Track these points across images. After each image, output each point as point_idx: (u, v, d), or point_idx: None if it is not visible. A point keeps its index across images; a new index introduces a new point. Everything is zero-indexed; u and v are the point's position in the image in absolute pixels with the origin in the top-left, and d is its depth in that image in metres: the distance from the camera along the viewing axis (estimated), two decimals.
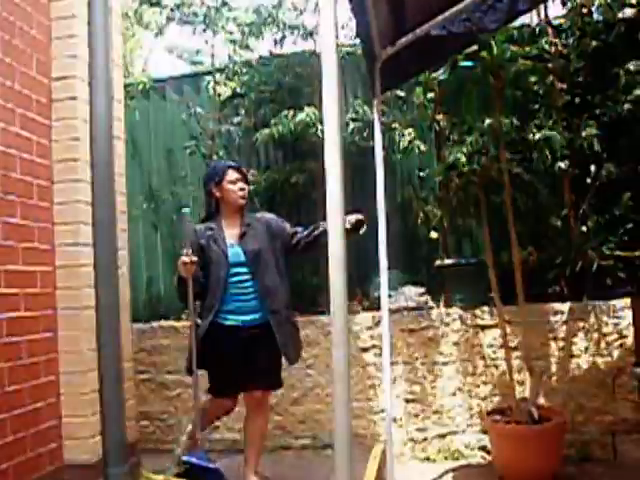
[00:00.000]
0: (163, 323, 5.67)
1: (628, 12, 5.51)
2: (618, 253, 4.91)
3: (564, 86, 5.31)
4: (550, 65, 5.20)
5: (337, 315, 1.81)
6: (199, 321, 3.84)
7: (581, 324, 4.84)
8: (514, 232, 4.54)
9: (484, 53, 4.50)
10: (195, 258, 3.71)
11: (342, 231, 1.76)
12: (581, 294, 4.95)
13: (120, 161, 4.29)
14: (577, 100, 5.34)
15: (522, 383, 4.80)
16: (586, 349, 4.83)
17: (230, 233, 3.95)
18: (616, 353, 4.78)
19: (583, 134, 4.90)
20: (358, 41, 4.85)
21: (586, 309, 4.84)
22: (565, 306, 4.88)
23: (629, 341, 4.68)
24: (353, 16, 3.24)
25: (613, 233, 5.04)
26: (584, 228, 5.12)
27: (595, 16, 5.57)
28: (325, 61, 1.83)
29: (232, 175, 4.00)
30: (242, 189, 3.99)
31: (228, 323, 3.84)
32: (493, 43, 4.50)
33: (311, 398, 5.25)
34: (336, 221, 1.79)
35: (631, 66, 5.03)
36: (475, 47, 4.55)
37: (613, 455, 4.74)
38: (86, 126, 3.97)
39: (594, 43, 5.28)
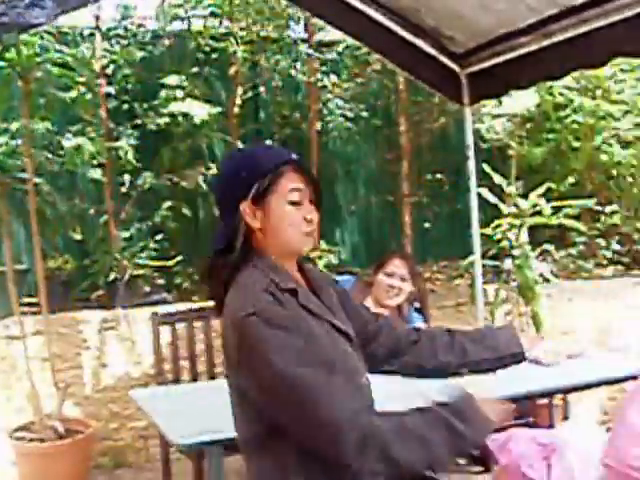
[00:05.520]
0: None
1: (177, 26, 5.70)
2: (154, 263, 5.05)
3: (112, 91, 5.30)
4: (97, 69, 5.15)
5: None
6: None
7: (114, 332, 4.86)
8: (39, 241, 4.37)
9: (11, 54, 4.26)
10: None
11: None
12: (115, 302, 4.99)
13: None
14: (125, 107, 5.38)
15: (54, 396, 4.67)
16: (119, 358, 4.87)
17: None
18: (148, 361, 4.88)
19: (119, 143, 4.93)
20: None
21: (118, 317, 4.88)
22: (97, 314, 4.86)
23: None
24: None
25: (153, 241, 5.17)
26: (127, 235, 5.16)
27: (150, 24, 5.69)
28: None
29: (292, 180, 1.71)
30: (309, 219, 1.74)
31: None
32: (23, 45, 4.28)
33: None
34: None
35: (171, 80, 5.18)
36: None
37: (146, 459, 4.85)
38: None
39: (142, 53, 5.36)
